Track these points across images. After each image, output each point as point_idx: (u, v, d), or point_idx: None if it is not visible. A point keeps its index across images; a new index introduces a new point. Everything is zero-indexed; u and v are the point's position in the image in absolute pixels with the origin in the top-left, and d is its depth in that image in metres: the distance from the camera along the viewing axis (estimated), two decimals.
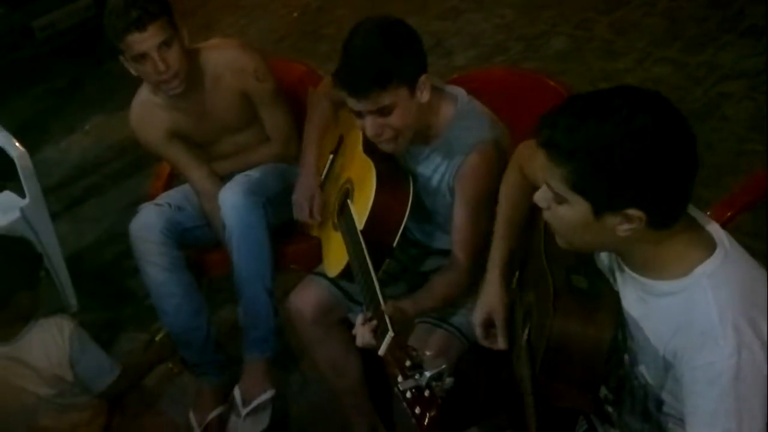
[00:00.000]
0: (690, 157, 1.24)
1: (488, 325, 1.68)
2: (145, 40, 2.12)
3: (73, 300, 2.95)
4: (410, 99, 1.77)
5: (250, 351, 2.40)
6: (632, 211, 1.23)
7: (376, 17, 1.84)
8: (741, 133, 3.17)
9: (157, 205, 2.44)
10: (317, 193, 2.18)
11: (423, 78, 1.78)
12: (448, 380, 1.32)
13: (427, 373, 1.32)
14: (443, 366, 1.32)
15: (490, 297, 1.67)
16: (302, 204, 2.19)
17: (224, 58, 2.33)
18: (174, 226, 2.40)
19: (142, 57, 2.15)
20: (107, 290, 3.15)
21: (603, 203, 1.25)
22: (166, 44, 2.15)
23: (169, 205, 2.44)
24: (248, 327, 2.39)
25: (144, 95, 2.36)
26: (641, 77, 3.60)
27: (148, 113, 2.37)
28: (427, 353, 1.37)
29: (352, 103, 1.77)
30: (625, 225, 1.25)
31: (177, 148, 2.41)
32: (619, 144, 1.20)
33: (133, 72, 2.24)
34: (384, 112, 1.77)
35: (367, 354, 2.10)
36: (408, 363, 1.34)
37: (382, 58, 1.73)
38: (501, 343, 1.65)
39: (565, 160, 1.25)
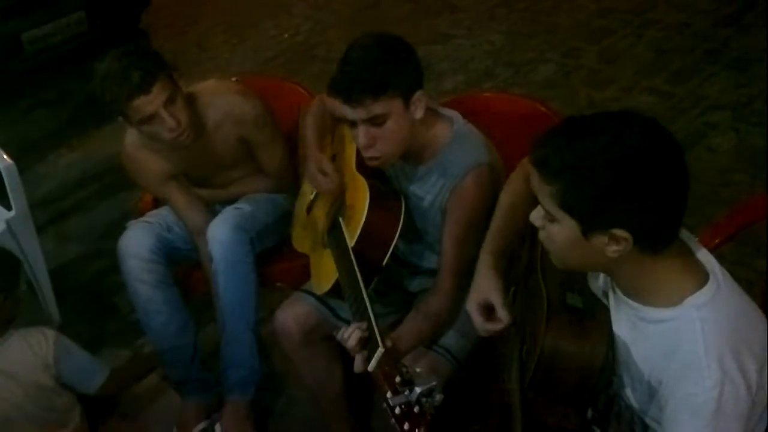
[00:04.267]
0: (678, 182, 1.25)
1: (484, 310, 1.60)
2: (152, 101, 2.07)
3: (56, 314, 2.92)
4: (404, 112, 1.78)
5: (232, 392, 2.39)
6: (618, 232, 1.24)
7: (374, 33, 1.85)
8: (725, 163, 3.21)
9: (146, 222, 2.43)
10: (326, 161, 2.08)
11: (419, 94, 1.79)
12: (438, 397, 1.32)
13: (418, 389, 1.31)
14: (434, 383, 1.32)
15: (482, 282, 1.62)
16: (316, 174, 2.08)
17: (224, 106, 2.30)
18: (163, 243, 2.39)
19: (150, 118, 2.11)
20: (91, 305, 3.13)
21: (589, 222, 1.27)
22: (171, 100, 2.11)
23: (159, 224, 2.43)
24: (230, 366, 2.37)
25: (136, 137, 2.31)
26: (627, 106, 3.65)
27: (143, 156, 2.33)
28: (418, 370, 1.36)
29: (346, 111, 1.76)
30: (613, 246, 1.27)
31: (172, 188, 2.40)
32: (604, 163, 1.22)
33: (137, 131, 2.21)
34: (376, 121, 1.76)
35: (349, 366, 2.11)
36: (398, 379, 1.34)
37: (379, 67, 1.74)
38: (504, 317, 1.56)
39: (554, 178, 1.27)
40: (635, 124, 1.26)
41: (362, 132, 1.78)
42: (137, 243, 2.36)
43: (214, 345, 2.44)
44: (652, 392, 1.34)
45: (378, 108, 1.74)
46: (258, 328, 2.37)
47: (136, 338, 2.86)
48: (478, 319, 1.59)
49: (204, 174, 2.44)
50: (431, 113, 1.88)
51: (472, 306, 1.60)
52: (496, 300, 1.58)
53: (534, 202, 1.36)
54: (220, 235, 2.27)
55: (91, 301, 3.15)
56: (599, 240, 1.27)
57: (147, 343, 2.79)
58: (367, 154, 1.84)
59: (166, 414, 2.51)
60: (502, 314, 1.56)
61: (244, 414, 2.39)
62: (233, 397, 2.39)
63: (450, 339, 1.90)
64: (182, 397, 2.48)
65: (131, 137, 2.33)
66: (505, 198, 1.74)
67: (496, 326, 1.57)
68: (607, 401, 1.48)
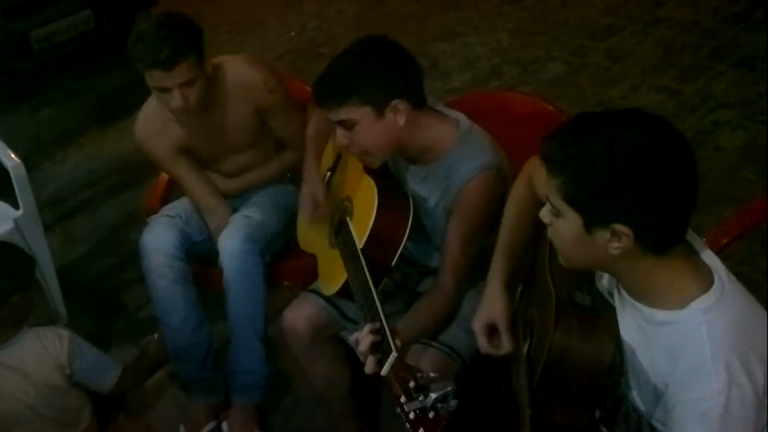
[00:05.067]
0: (683, 181, 1.24)
1: (490, 331, 1.65)
2: (170, 78, 2.11)
3: (63, 312, 2.93)
4: (376, 121, 1.79)
5: (239, 395, 2.41)
6: (619, 227, 1.24)
7: (368, 37, 1.87)
8: (733, 161, 3.20)
9: (168, 216, 2.43)
10: (323, 186, 2.14)
11: (396, 102, 1.79)
12: (453, 402, 1.31)
13: (433, 395, 1.30)
14: (449, 388, 1.31)
15: (491, 304, 1.66)
16: (309, 199, 2.14)
17: (234, 76, 2.31)
18: (185, 238, 2.40)
19: (163, 89, 2.15)
20: (98, 303, 3.14)
21: (591, 215, 1.27)
22: (189, 83, 2.14)
23: (180, 216, 2.44)
24: (237, 371, 2.39)
25: (153, 107, 2.33)
26: (635, 104, 3.63)
27: (157, 127, 2.35)
28: (432, 374, 1.36)
29: (322, 111, 1.83)
30: (615, 242, 1.26)
31: (182, 164, 2.41)
32: (606, 156, 1.22)
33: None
34: (345, 125, 1.81)
35: (356, 366, 2.11)
36: (412, 383, 1.33)
37: (345, 76, 1.78)
38: (506, 344, 1.62)
39: (559, 171, 1.28)
40: (641, 121, 1.26)
41: (338, 132, 1.85)
42: (161, 238, 2.37)
43: (223, 343, 2.45)
44: (658, 395, 1.34)
45: (344, 114, 1.79)
46: (266, 333, 2.38)
47: (143, 336, 2.87)
48: (482, 340, 1.65)
49: (214, 154, 2.44)
50: (434, 115, 1.89)
51: (478, 326, 1.65)
52: (502, 325, 1.63)
53: (539, 206, 1.36)
54: (231, 247, 2.28)
55: (98, 300, 3.16)
56: (602, 236, 1.27)
57: (153, 341, 2.81)
58: (347, 152, 1.89)
59: (174, 413, 2.53)
60: (506, 342, 1.62)
61: (251, 416, 2.41)
62: (240, 399, 2.41)
63: (457, 338, 1.90)
64: (190, 396, 2.49)
65: (147, 108, 2.36)
66: (511, 208, 1.75)
67: (498, 351, 1.63)
68: (615, 402, 1.48)
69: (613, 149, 1.22)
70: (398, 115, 1.80)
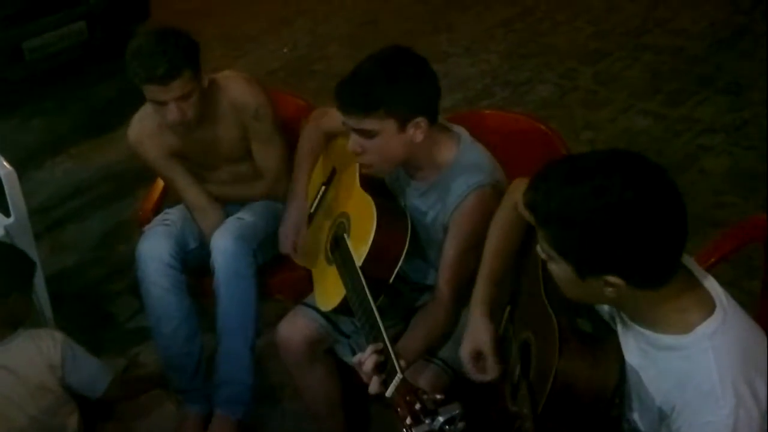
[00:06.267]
0: (668, 228, 1.24)
1: (476, 357, 1.68)
2: (167, 93, 2.14)
3: (51, 321, 2.92)
4: (397, 134, 1.79)
5: (222, 408, 2.38)
6: (611, 278, 1.26)
7: (400, 48, 1.86)
8: (718, 185, 3.25)
9: (164, 225, 2.44)
10: (304, 227, 2.19)
11: (419, 120, 1.80)
12: (461, 424, 1.31)
13: (441, 418, 1.30)
14: (457, 411, 1.31)
15: (477, 331, 1.68)
16: (288, 238, 2.21)
17: (230, 93, 2.33)
18: (181, 247, 2.40)
19: (159, 103, 2.18)
20: (86, 313, 3.12)
21: (581, 268, 1.29)
22: (185, 97, 2.17)
23: (175, 223, 2.44)
24: (222, 382, 2.37)
25: (149, 111, 2.34)
26: (623, 128, 3.69)
27: (150, 131, 2.37)
28: (438, 396, 1.35)
29: (341, 116, 1.82)
30: (608, 288, 1.28)
31: (175, 167, 2.42)
32: (586, 215, 1.23)
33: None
34: (366, 134, 1.80)
35: (347, 380, 2.12)
36: (418, 406, 1.33)
37: (376, 85, 1.76)
38: (492, 373, 1.64)
39: (543, 224, 1.29)
40: (621, 169, 1.24)
41: (353, 139, 1.83)
42: (157, 246, 2.37)
43: (212, 353, 2.44)
44: (662, 417, 1.35)
45: (367, 124, 1.78)
46: (255, 343, 2.37)
47: (132, 347, 2.87)
48: (470, 368, 1.67)
49: (209, 163, 2.45)
50: (438, 129, 1.90)
51: (465, 354, 1.68)
52: (488, 352, 1.65)
53: (524, 230, 1.36)
54: (223, 245, 2.29)
55: (87, 309, 3.15)
56: (595, 283, 1.29)
57: (142, 352, 2.81)
58: (357, 160, 1.88)
59: (163, 423, 2.51)
60: (491, 369, 1.64)
61: (233, 429, 2.37)
62: (222, 411, 2.39)
63: (447, 350, 1.91)
64: (181, 406, 2.47)
65: (142, 112, 2.37)
66: (495, 233, 1.75)
67: (484, 377, 1.65)
68: (612, 423, 1.48)
69: (596, 205, 1.22)
70: (418, 131, 1.81)
